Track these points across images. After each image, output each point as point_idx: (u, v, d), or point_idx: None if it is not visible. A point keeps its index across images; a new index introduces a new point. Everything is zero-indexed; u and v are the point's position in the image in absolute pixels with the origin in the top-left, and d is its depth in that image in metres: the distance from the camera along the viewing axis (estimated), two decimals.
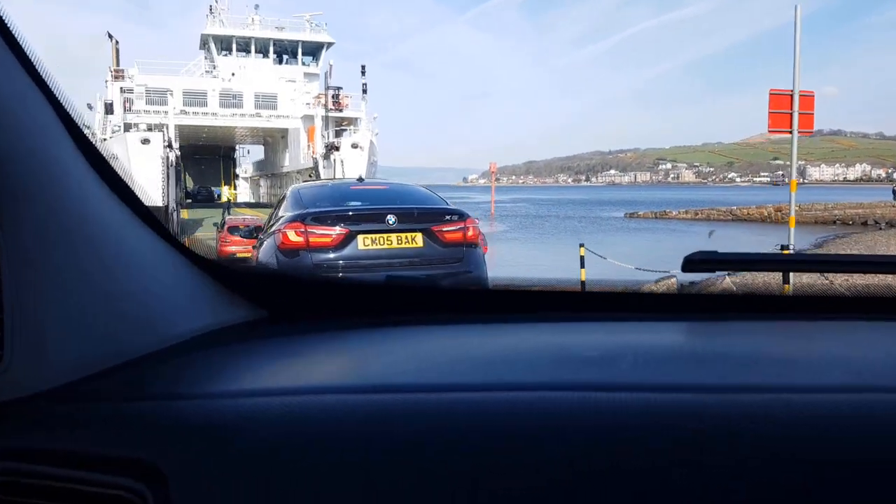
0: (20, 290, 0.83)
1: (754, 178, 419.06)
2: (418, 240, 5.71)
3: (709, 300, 1.24)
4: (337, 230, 5.57)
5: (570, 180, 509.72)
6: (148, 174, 24.24)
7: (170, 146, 25.23)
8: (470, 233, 5.94)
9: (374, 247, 5.62)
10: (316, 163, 28.58)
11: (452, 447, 0.74)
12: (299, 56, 43.40)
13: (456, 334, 1.12)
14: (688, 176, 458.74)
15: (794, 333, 1.07)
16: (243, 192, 57.84)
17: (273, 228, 6.05)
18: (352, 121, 32.91)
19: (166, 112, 37.57)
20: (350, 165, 26.63)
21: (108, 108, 33.89)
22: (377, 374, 0.93)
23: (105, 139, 27.70)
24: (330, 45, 43.75)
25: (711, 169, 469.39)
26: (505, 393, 0.81)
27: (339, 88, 32.84)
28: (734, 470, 0.69)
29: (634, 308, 1.19)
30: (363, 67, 30.91)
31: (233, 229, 15.61)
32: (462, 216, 6.05)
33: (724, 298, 1.25)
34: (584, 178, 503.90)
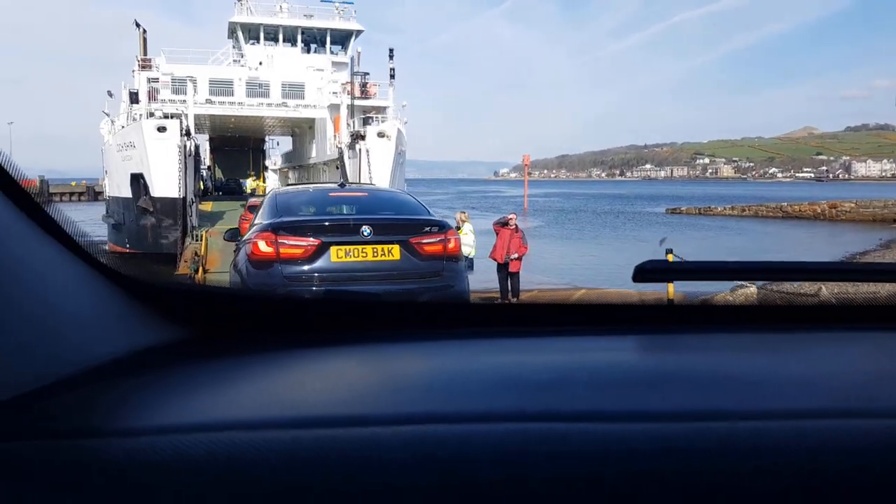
0: None
1: (796, 174, 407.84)
2: (395, 252, 5.38)
3: (669, 311, 1.16)
4: (309, 241, 5.20)
5: (603, 175, 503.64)
6: (164, 163, 23.06)
7: (188, 134, 23.97)
8: (451, 245, 5.65)
9: (348, 259, 5.21)
10: (341, 153, 27.05)
11: (395, 488, 0.67)
12: (328, 44, 42.11)
13: (397, 354, 1.04)
14: (726, 171, 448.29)
15: (758, 347, 1.00)
16: (272, 183, 57.23)
17: (246, 237, 5.65)
18: (380, 109, 31.33)
19: (194, 102, 37.02)
20: (376, 156, 25.06)
21: (133, 97, 33.02)
22: (311, 403, 0.85)
23: (123, 127, 26.63)
24: (359, 32, 42.32)
25: (751, 164, 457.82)
26: (448, 425, 0.73)
27: (366, 74, 31.22)
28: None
29: (594, 320, 1.10)
30: (391, 51, 29.23)
31: (252, 208, 16.11)
32: (443, 227, 5.70)
33: (685, 309, 1.16)
34: (618, 172, 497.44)
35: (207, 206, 36.02)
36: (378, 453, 0.68)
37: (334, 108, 34.99)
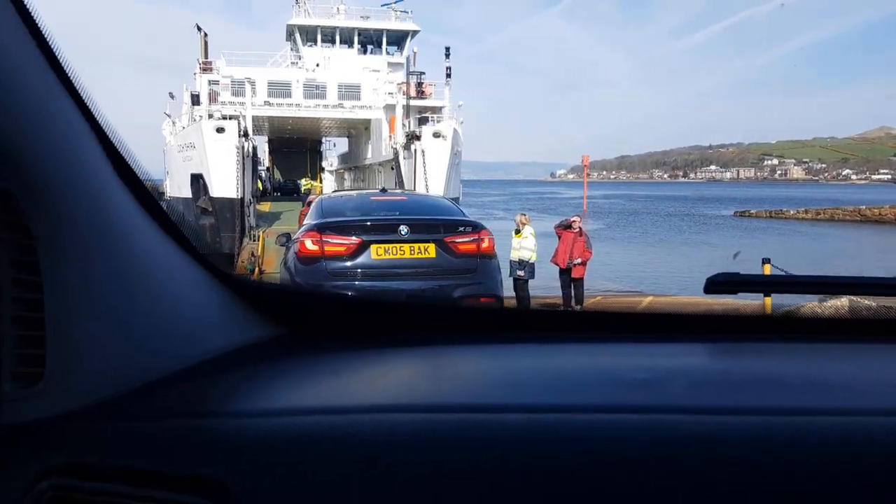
0: (59, 308, 0.85)
1: (872, 176, 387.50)
2: (431, 250, 5.80)
3: (749, 321, 1.24)
4: (351, 240, 5.63)
5: (665, 176, 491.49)
6: (222, 163, 23.09)
7: (246, 135, 23.95)
8: (485, 244, 6.03)
9: (387, 256, 5.61)
10: (396, 154, 26.57)
11: (505, 470, 0.76)
12: (384, 45, 42.00)
13: (490, 354, 1.15)
14: (796, 172, 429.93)
15: (842, 356, 1.08)
16: (329, 185, 57.71)
17: (295, 237, 6.20)
18: (435, 110, 30.78)
19: (252, 104, 37.43)
20: (432, 156, 24.45)
21: (195, 100, 33.66)
22: (420, 393, 0.96)
23: (183, 128, 26.92)
24: (415, 33, 42.05)
25: (823, 165, 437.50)
26: (555, 415, 0.83)
27: (421, 73, 30.69)
28: (794, 490, 0.72)
29: (680, 329, 1.21)
30: (447, 49, 28.62)
31: (311, 204, 18.58)
32: (476, 227, 6.09)
33: (768, 319, 1.33)
34: (681, 173, 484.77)
35: (265, 207, 36.29)
36: (490, 440, 0.78)
37: (390, 108, 34.67)
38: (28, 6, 0.76)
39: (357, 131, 45.81)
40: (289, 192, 44.37)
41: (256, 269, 17.37)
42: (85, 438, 0.85)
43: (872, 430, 0.76)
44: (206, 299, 1.11)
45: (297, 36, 41.98)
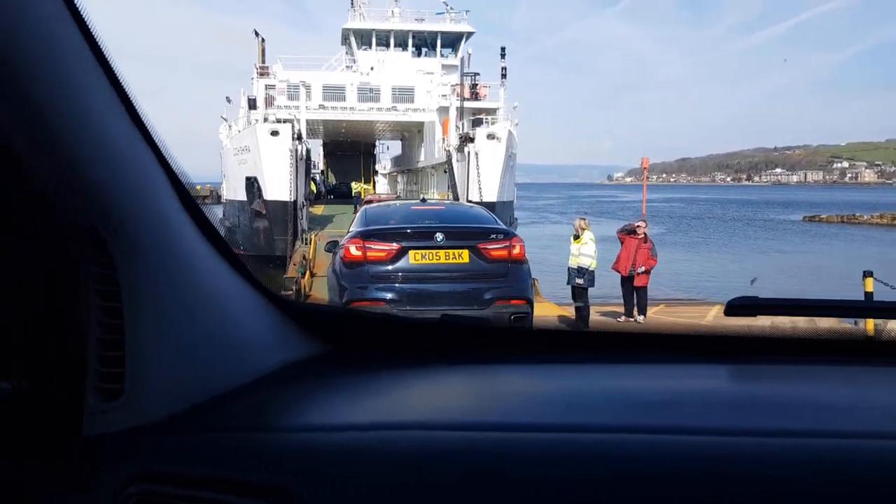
0: (135, 332, 0.95)
1: None
2: (465, 256, 6.14)
3: (762, 342, 1.27)
4: (391, 246, 6.04)
5: (728, 179, 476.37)
6: (276, 166, 23.08)
7: (300, 138, 23.91)
8: (515, 250, 6.33)
9: (424, 261, 6.04)
10: (449, 156, 26.10)
11: (543, 485, 0.82)
12: (438, 47, 41.71)
13: (522, 374, 1.21)
14: (868, 176, 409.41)
15: (856, 379, 1.12)
16: (381, 188, 57.85)
17: (341, 243, 6.66)
18: (490, 111, 30.14)
19: (306, 107, 37.71)
20: (486, 158, 23.85)
21: (252, 104, 34.08)
22: (463, 411, 1.02)
23: (239, 131, 27.15)
24: (470, 34, 41.53)
25: None
26: (581, 434, 0.89)
27: (476, 75, 30.11)
28: None
29: (691, 349, 1.27)
30: (503, 50, 27.96)
31: (368, 203, 21.56)
32: (508, 235, 6.43)
33: (782, 341, 1.28)
34: (744, 177, 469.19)
35: (318, 210, 36.47)
36: (516, 454, 0.85)
37: (443, 110, 34.26)
38: (111, 62, 0.85)
39: (410, 134, 45.68)
40: (342, 195, 44.56)
41: (307, 273, 17.12)
42: (159, 449, 0.95)
43: (881, 453, 0.79)
44: (261, 321, 1.19)
45: (352, 40, 42.12)
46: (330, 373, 1.20)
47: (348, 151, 55.54)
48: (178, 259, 1.01)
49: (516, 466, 0.84)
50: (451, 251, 6.24)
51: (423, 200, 8.29)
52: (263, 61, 42.02)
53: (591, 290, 11.22)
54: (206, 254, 1.08)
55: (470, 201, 24.33)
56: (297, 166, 23.22)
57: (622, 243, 11.85)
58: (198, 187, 79.42)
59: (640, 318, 11.79)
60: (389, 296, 6.16)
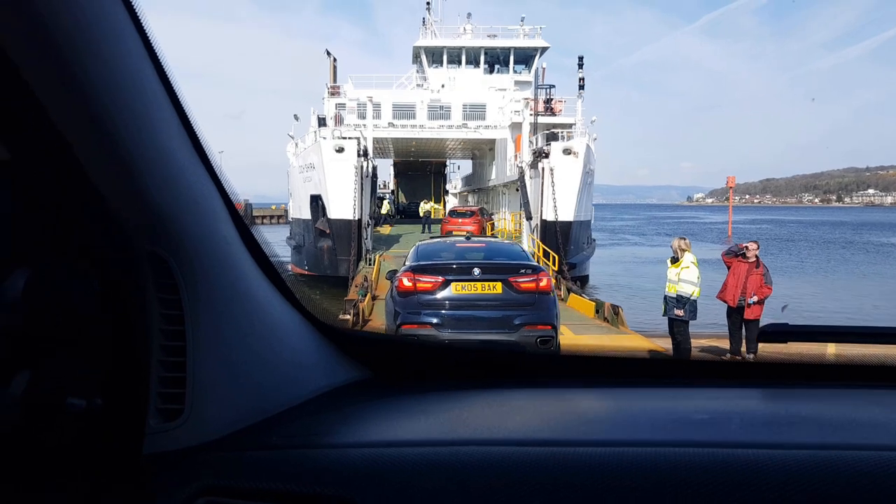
0: (197, 351, 1.02)
1: None
2: (498, 287, 7.26)
3: (795, 368, 1.35)
4: (436, 279, 7.30)
5: (816, 200, 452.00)
6: (340, 184, 22.20)
7: (365, 155, 22.97)
8: (542, 283, 7.43)
9: (464, 292, 7.26)
10: (521, 173, 24.53)
11: (589, 495, 0.89)
12: (511, 64, 40.39)
13: (561, 396, 1.29)
14: None
15: (872, 400, 1.21)
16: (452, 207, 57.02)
17: (397, 274, 7.87)
18: (566, 127, 28.43)
19: (375, 125, 37.18)
20: (562, 175, 22.15)
21: (321, 122, 33.64)
22: (507, 428, 1.08)
23: (304, 148, 26.56)
24: (544, 49, 40.11)
25: None
26: (630, 449, 0.96)
27: (551, 87, 28.49)
28: None
29: (726, 375, 1.37)
30: (580, 60, 26.34)
31: (453, 212, 26.69)
32: (535, 270, 7.55)
33: (810, 367, 1.36)
34: (834, 198, 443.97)
35: (386, 230, 35.71)
36: (572, 467, 0.92)
37: (516, 127, 32.88)
38: (179, 95, 0.91)
39: (481, 152, 44.53)
40: (412, 214, 43.72)
41: (368, 295, 15.93)
42: (220, 465, 1.01)
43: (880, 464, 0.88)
44: (308, 347, 1.28)
45: (423, 58, 41.46)
46: (374, 396, 1.27)
47: (419, 171, 54.99)
48: (235, 286, 1.08)
49: (562, 478, 0.90)
50: (486, 283, 7.25)
51: (468, 237, 9.44)
52: (335, 81, 42.00)
53: (693, 324, 9.40)
54: (260, 281, 1.15)
55: (544, 221, 22.71)
56: (361, 184, 22.27)
57: (729, 268, 9.98)
58: (273, 207, 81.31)
59: (750, 357, 9.82)
60: (435, 321, 7.23)
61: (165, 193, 0.91)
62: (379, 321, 13.99)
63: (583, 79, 26.22)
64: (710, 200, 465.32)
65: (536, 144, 24.70)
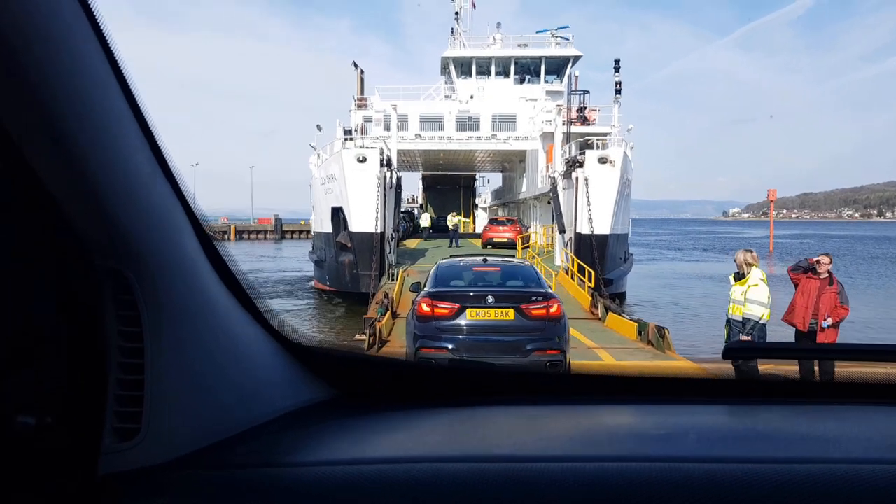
0: (155, 374, 1.00)
1: None
2: (510, 314, 7.58)
3: (753, 385, 1.42)
4: (453, 305, 7.65)
5: (857, 215, 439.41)
6: (362, 195, 21.14)
7: (388, 165, 21.92)
8: (552, 309, 7.67)
9: (478, 318, 7.59)
10: (554, 184, 23.23)
11: None
12: (542, 74, 39.14)
13: (524, 413, 1.29)
14: None
15: (823, 416, 1.26)
16: (481, 221, 55.96)
17: (416, 298, 8.30)
18: (600, 136, 27.02)
19: (401, 137, 36.26)
20: (597, 185, 20.78)
21: (347, 134, 32.79)
22: (464, 446, 1.10)
23: (326, 159, 25.61)
24: (577, 58, 38.80)
25: None
26: (588, 464, 0.97)
27: (585, 92, 27.09)
28: None
29: (688, 392, 1.38)
30: (616, 63, 24.98)
31: (494, 221, 27.76)
32: (546, 297, 7.81)
33: (768, 383, 1.44)
34: (875, 212, 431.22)
35: (413, 243, 34.64)
36: (517, 483, 0.93)
37: (547, 137, 31.65)
38: (145, 114, 0.91)
39: (511, 165, 43.37)
40: (441, 228, 42.66)
41: (388, 313, 14.75)
42: (177, 485, 0.98)
43: (865, 477, 0.91)
44: (273, 365, 1.24)
45: (452, 68, 40.47)
46: (338, 415, 1.25)
47: (447, 185, 54.03)
48: (197, 302, 1.05)
49: (518, 495, 0.91)
50: (499, 310, 7.54)
51: (485, 261, 9.40)
52: (362, 93, 41.32)
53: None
54: (224, 297, 1.12)
55: (579, 234, 21.34)
56: (384, 195, 21.20)
57: (796, 286, 8.56)
58: (301, 222, 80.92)
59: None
60: (451, 346, 7.49)
61: (126, 208, 0.90)
62: (398, 343, 12.78)
63: (619, 83, 24.84)
64: (746, 215, 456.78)
65: (570, 154, 23.37)
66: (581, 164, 21.33)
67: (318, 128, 26.14)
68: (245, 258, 52.20)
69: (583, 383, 1.43)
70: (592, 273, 18.17)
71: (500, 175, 52.34)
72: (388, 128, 33.04)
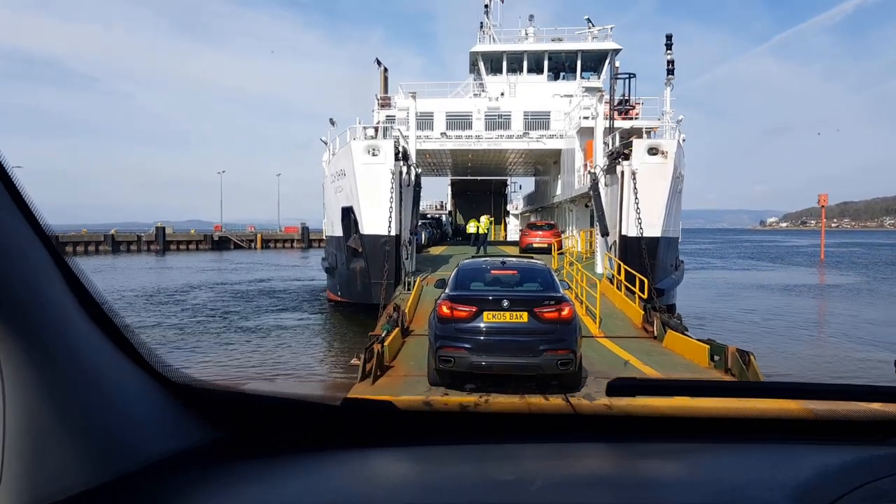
0: (16, 413, 0.93)
1: None
2: (524, 317, 8.03)
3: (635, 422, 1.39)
4: (472, 308, 8.11)
5: None
6: (373, 191, 18.49)
7: (405, 158, 19.29)
8: (564, 313, 8.12)
9: (494, 320, 8.02)
10: (595, 181, 20.34)
11: None
12: (578, 69, 36.31)
13: (401, 458, 1.28)
14: None
15: (675, 456, 1.28)
16: (513, 228, 53.14)
17: (438, 299, 8.76)
18: (645, 131, 24.02)
19: (426, 136, 33.73)
20: (647, 179, 17.84)
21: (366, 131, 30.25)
22: (347, 494, 1.09)
23: (334, 153, 23.03)
24: (616, 52, 35.87)
25: None
26: None
27: (630, 76, 24.00)
28: None
29: (547, 429, 1.39)
30: (668, 38, 21.95)
31: (532, 226, 28.00)
32: (558, 301, 8.21)
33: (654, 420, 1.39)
34: None
35: (439, 249, 32.02)
36: None
37: (585, 132, 28.75)
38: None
39: (545, 167, 40.57)
40: (468, 236, 39.96)
41: (396, 330, 12.02)
42: None
43: None
44: (149, 406, 1.15)
45: (481, 65, 37.84)
46: (222, 460, 1.18)
47: (477, 191, 51.42)
48: (60, 340, 0.99)
49: None
50: (514, 313, 8.06)
51: (503, 263, 9.52)
52: (386, 91, 39.01)
53: None
54: (93, 337, 1.06)
55: (624, 237, 18.39)
56: (399, 192, 18.53)
57: None
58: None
59: None
60: (468, 346, 8.00)
61: None
62: (403, 368, 10.08)
63: (672, 61, 21.83)
64: (784, 224, 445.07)
65: (611, 145, 20.45)
66: (627, 157, 18.41)
67: (332, 122, 23.52)
68: (262, 267, 50.14)
69: (489, 422, 1.39)
70: (646, 281, 15.20)
71: (532, 180, 49.52)
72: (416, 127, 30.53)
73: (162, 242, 73.14)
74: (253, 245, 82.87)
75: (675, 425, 1.39)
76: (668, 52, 21.88)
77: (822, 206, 56.98)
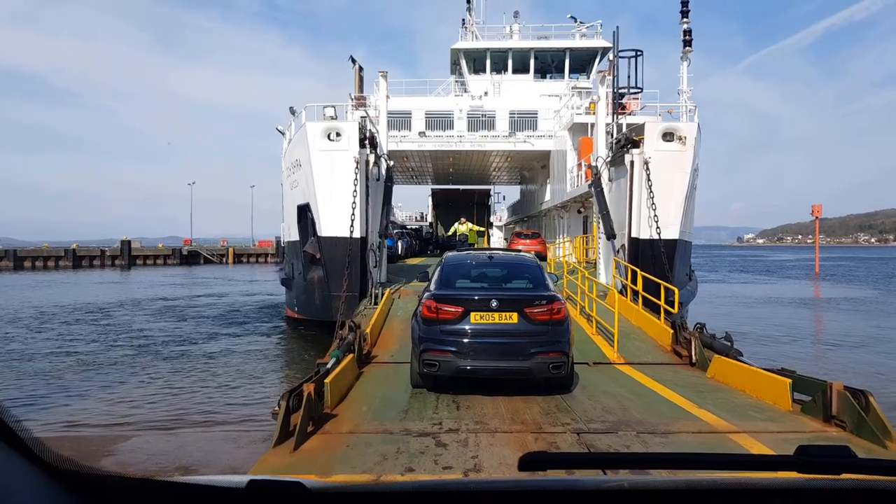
0: None
1: None
2: (514, 317, 7.48)
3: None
4: (457, 309, 7.53)
5: (873, 240, 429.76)
6: (332, 184, 15.25)
7: (372, 145, 16.10)
8: (556, 313, 7.61)
9: (483, 321, 7.46)
10: (597, 174, 17.33)
11: None
12: (566, 69, 33.60)
13: None
14: None
15: None
16: (496, 241, 50.19)
17: (421, 299, 8.12)
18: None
19: (403, 137, 30.80)
20: (662, 170, 14.92)
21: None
22: None
23: (290, 140, 19.67)
24: (606, 50, 33.11)
25: None
26: None
27: (638, 53, 20.96)
28: None
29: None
30: (684, 4, 19.00)
31: (519, 234, 29.23)
32: (550, 300, 7.68)
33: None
34: (891, 237, 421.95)
35: (416, 260, 28.89)
36: None
37: (579, 129, 25.95)
38: None
39: (531, 172, 37.73)
40: (450, 247, 36.70)
41: (349, 357, 8.75)
42: None
43: None
44: (42, 500, 1.03)
45: (463, 64, 34.96)
46: None
47: (459, 201, 48.43)
48: None
49: None
50: (503, 314, 7.51)
51: (491, 259, 8.93)
52: (361, 91, 35.99)
53: None
54: None
55: (634, 240, 15.37)
56: (366, 185, 15.32)
57: None
58: None
59: None
60: (454, 349, 7.45)
61: None
62: (351, 421, 6.67)
63: (689, 31, 18.92)
64: (760, 241, 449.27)
65: (614, 135, 17.46)
66: (637, 144, 15.43)
67: (292, 111, 20.17)
68: (224, 283, 46.51)
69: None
70: (675, 291, 12.08)
71: (517, 189, 46.64)
72: (390, 126, 27.38)
73: (127, 257, 69.30)
74: (225, 260, 79.23)
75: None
76: (685, 19, 19.00)
77: (816, 218, 54.84)
